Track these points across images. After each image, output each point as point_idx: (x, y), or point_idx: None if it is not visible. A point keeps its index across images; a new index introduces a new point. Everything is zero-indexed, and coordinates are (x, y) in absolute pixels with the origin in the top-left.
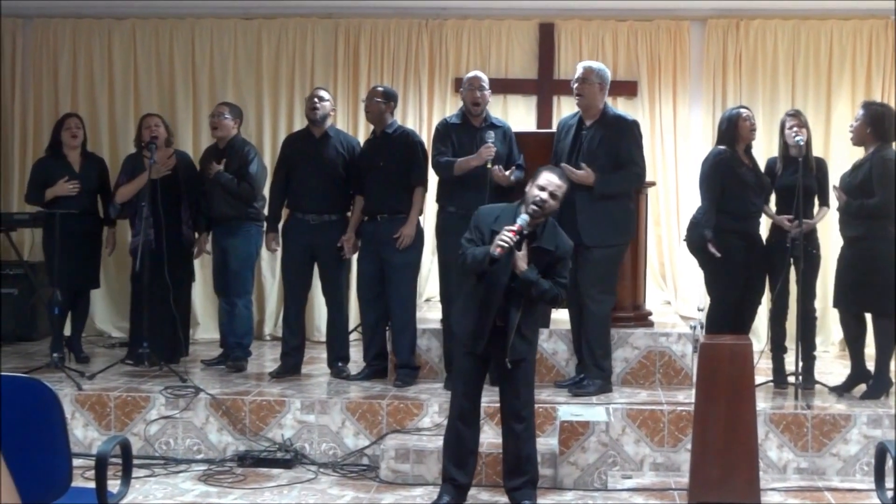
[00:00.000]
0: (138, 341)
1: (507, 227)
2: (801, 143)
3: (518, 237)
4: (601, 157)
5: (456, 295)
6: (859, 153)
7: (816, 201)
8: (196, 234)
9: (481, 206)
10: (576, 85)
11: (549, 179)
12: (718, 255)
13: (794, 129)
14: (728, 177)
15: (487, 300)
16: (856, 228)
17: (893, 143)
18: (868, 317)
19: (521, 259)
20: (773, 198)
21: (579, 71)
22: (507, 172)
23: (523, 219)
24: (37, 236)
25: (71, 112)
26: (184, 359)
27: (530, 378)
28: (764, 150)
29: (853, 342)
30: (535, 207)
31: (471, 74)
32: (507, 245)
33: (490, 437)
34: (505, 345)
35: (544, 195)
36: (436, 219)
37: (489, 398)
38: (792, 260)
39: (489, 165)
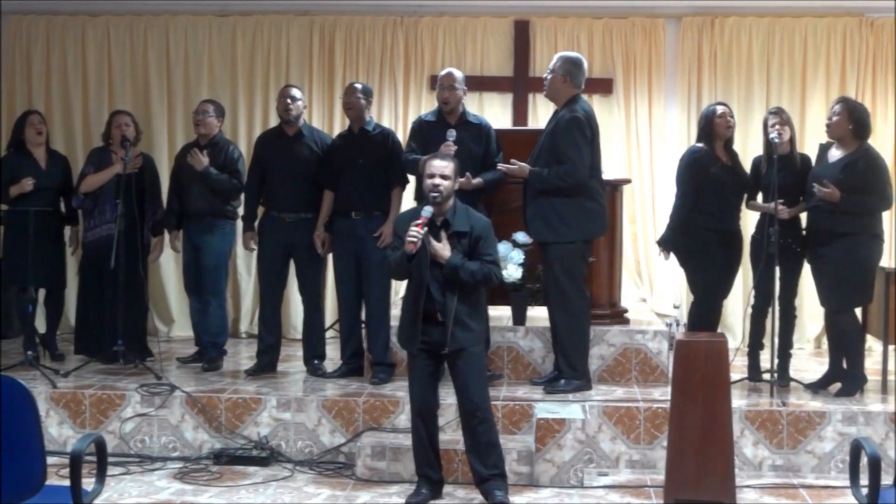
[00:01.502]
0: (86, 334)
1: (413, 223)
2: (776, 141)
3: (426, 228)
4: (545, 151)
5: None
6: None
7: (802, 199)
8: (153, 236)
9: (399, 213)
10: (544, 74)
11: (432, 165)
12: (667, 258)
13: (777, 126)
14: (702, 175)
15: (414, 299)
16: (847, 225)
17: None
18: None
19: (443, 248)
20: (759, 196)
21: (552, 61)
22: (474, 180)
23: (427, 210)
24: None
25: (32, 109)
26: (151, 358)
27: (479, 370)
28: (739, 147)
29: (837, 340)
30: (432, 195)
31: (444, 72)
32: (416, 238)
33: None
34: (446, 338)
35: (435, 180)
36: None
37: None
38: (773, 257)
39: None
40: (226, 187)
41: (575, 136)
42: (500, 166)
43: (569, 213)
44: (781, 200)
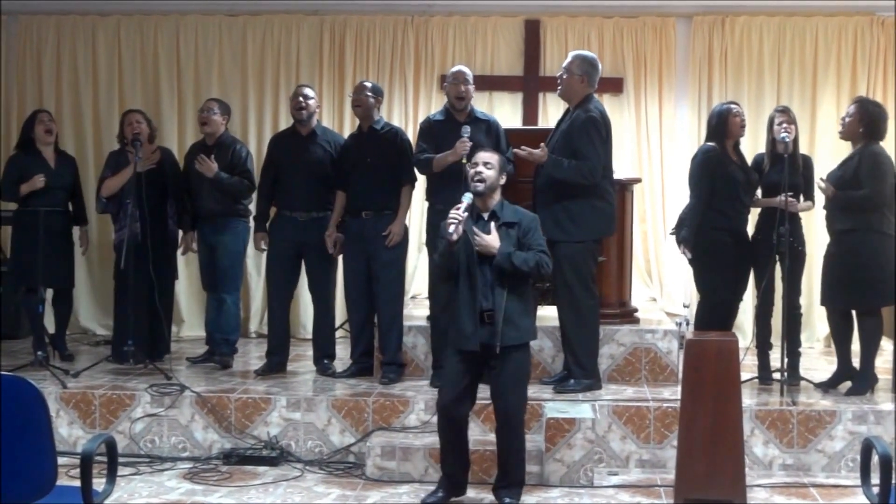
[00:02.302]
0: (122, 339)
1: (452, 209)
2: (787, 140)
3: (466, 213)
4: (558, 150)
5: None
6: (844, 149)
7: (801, 198)
8: (181, 232)
9: (442, 222)
10: (558, 73)
11: (478, 155)
12: (689, 256)
13: (784, 125)
14: (717, 174)
15: (469, 294)
16: (844, 222)
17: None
18: (853, 312)
19: (493, 239)
20: (759, 194)
21: (566, 59)
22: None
23: (467, 196)
24: (6, 232)
25: (41, 108)
26: (167, 356)
27: (522, 374)
28: (748, 147)
29: (840, 339)
30: (475, 183)
31: (455, 69)
32: (457, 220)
33: (476, 434)
34: (492, 339)
35: (478, 168)
36: (426, 215)
37: (479, 395)
38: (778, 256)
39: (464, 161)
40: (239, 189)
41: (592, 135)
42: (522, 149)
43: (579, 213)
44: (791, 193)
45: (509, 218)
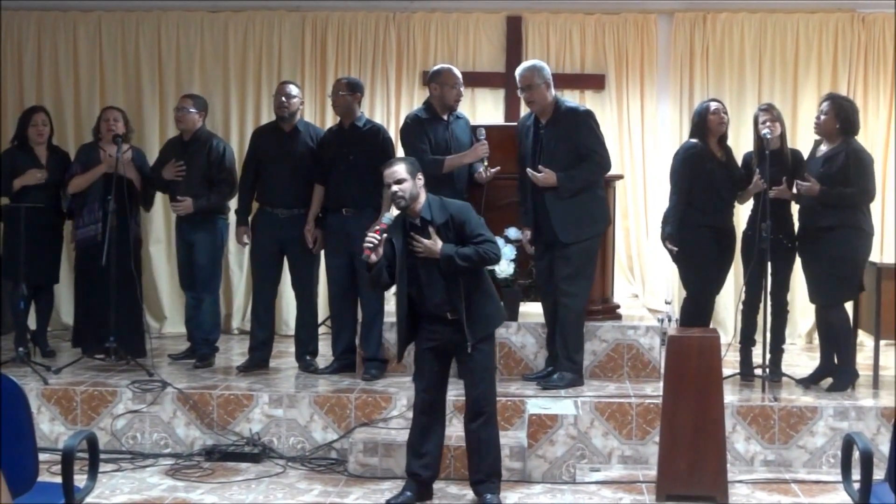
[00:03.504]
0: (85, 331)
1: (370, 230)
2: (769, 137)
3: (384, 234)
4: (561, 154)
5: None
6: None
7: (795, 189)
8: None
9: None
10: (523, 95)
11: (385, 174)
12: (675, 249)
13: (767, 123)
14: (697, 171)
15: (399, 302)
16: (828, 218)
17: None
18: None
19: (434, 244)
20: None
21: (519, 80)
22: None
23: (387, 217)
24: None
25: (38, 105)
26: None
27: (489, 367)
28: (731, 143)
29: (827, 336)
30: (396, 201)
31: (447, 68)
32: (372, 244)
33: (458, 430)
34: (459, 335)
35: (394, 187)
36: None
37: (457, 391)
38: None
39: (485, 162)
40: (219, 202)
41: (594, 127)
42: (531, 173)
43: (591, 208)
44: (773, 187)
45: (439, 218)
